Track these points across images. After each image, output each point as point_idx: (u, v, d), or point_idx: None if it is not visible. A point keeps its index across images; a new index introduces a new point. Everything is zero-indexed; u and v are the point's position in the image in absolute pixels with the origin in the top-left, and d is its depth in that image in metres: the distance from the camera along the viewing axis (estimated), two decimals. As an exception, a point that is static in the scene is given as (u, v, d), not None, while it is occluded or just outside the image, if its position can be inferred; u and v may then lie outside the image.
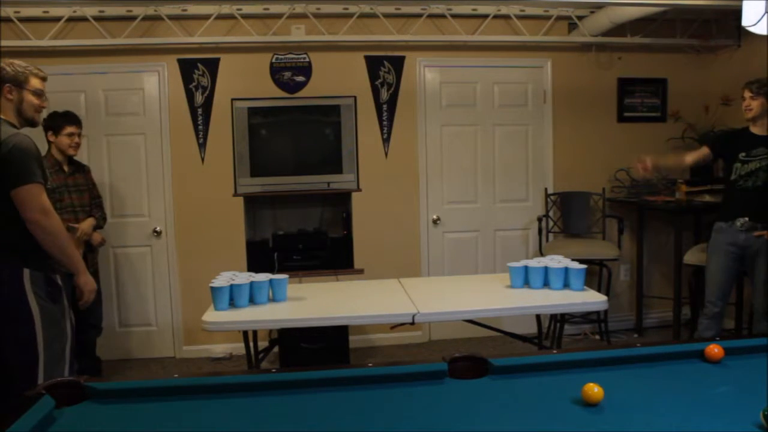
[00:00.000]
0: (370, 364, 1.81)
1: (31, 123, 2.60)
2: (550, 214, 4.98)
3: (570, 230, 4.92)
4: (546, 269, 3.26)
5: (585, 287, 3.22)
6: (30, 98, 2.55)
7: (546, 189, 4.97)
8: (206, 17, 4.44)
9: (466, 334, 4.83)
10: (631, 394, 1.61)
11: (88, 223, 3.85)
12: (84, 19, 4.36)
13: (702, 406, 1.53)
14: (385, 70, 4.79)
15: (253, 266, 4.35)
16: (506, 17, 4.78)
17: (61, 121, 3.75)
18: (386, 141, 4.84)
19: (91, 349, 4.04)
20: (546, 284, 3.27)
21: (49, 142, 3.77)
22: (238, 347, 4.34)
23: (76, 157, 3.93)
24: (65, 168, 3.82)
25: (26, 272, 2.38)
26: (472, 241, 4.97)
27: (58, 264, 2.51)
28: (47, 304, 2.42)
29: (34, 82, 2.57)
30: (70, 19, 4.38)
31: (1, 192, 2.38)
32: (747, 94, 3.41)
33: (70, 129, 3.74)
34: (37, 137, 2.67)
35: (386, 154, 4.84)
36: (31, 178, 2.36)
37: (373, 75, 4.78)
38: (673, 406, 1.54)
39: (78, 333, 3.38)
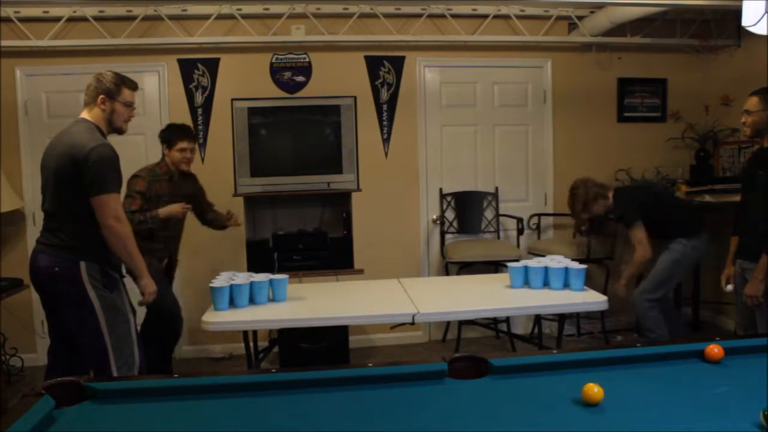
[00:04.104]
0: (370, 364, 1.81)
1: (119, 131, 2.80)
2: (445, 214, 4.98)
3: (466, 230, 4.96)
4: (546, 269, 3.26)
5: (585, 287, 3.23)
6: (121, 109, 2.74)
7: (441, 189, 4.96)
8: (206, 17, 4.44)
9: (466, 334, 4.84)
10: (631, 394, 1.61)
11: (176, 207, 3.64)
12: (84, 19, 4.36)
13: (702, 406, 1.53)
14: (385, 70, 4.79)
15: (253, 266, 4.35)
16: (506, 17, 4.78)
17: (174, 135, 3.65)
18: (386, 141, 4.84)
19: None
20: (546, 284, 3.27)
21: (163, 153, 3.70)
22: (238, 347, 4.33)
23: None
24: (174, 177, 3.69)
25: (82, 264, 2.59)
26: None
27: (116, 261, 2.72)
28: (105, 292, 2.64)
29: (126, 94, 2.75)
30: (70, 19, 4.38)
31: (63, 196, 2.60)
32: None
33: (182, 144, 3.62)
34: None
35: (386, 154, 4.85)
36: (110, 188, 2.58)
37: (373, 75, 4.79)
38: (673, 406, 1.54)
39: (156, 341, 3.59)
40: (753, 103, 3.08)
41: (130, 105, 2.77)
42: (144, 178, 3.53)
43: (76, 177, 2.54)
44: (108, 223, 2.57)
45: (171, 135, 3.65)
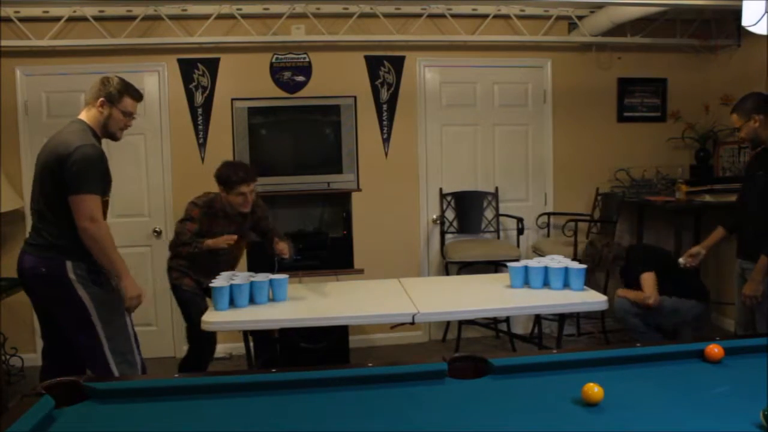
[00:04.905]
0: (370, 364, 1.81)
1: (112, 138, 2.76)
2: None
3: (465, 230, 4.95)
4: (546, 269, 3.26)
5: (585, 287, 3.23)
6: (118, 116, 2.70)
7: (441, 189, 4.95)
8: (206, 17, 4.44)
9: (466, 334, 4.84)
10: (631, 394, 1.61)
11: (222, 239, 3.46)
12: (84, 19, 4.36)
13: (702, 406, 1.53)
14: (385, 70, 4.79)
15: (253, 266, 4.35)
16: (506, 17, 4.78)
17: (234, 180, 3.39)
18: (386, 141, 4.84)
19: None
20: (546, 284, 3.27)
21: (220, 193, 3.51)
22: (238, 347, 4.33)
23: None
24: (229, 213, 3.52)
25: (68, 264, 2.56)
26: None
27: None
28: (94, 288, 2.59)
29: (127, 103, 2.71)
30: (70, 19, 4.38)
31: (48, 195, 2.57)
32: None
33: (242, 189, 3.39)
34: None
35: (386, 154, 4.85)
36: (88, 188, 2.52)
37: (373, 75, 4.78)
38: (673, 406, 1.54)
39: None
40: (735, 120, 3.15)
41: (129, 114, 2.73)
42: (201, 208, 3.45)
43: (59, 175, 2.52)
44: (83, 224, 2.51)
45: (230, 179, 3.40)
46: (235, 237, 3.46)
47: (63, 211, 2.55)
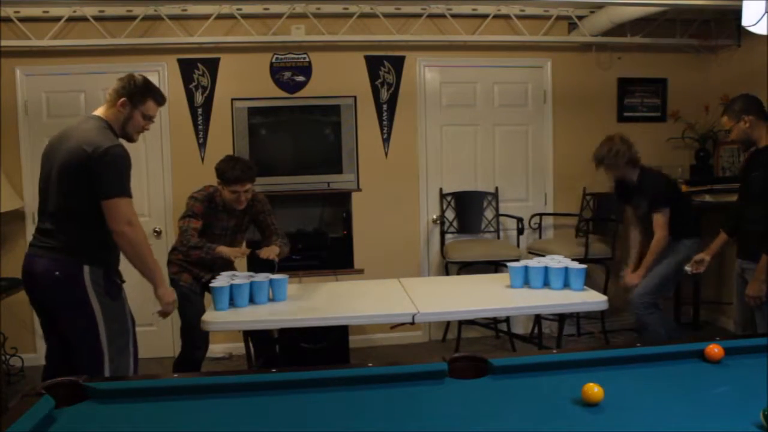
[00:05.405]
0: (370, 364, 1.81)
1: (129, 139, 2.68)
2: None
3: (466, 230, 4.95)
4: (546, 269, 3.26)
5: (585, 287, 3.23)
6: (138, 119, 2.63)
7: (441, 189, 4.95)
8: (206, 17, 4.44)
9: (466, 334, 4.84)
10: (631, 394, 1.61)
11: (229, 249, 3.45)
12: (84, 19, 4.36)
13: (702, 406, 1.53)
14: (385, 70, 4.79)
15: (253, 266, 4.35)
16: (506, 17, 4.78)
17: (231, 177, 3.36)
18: (386, 141, 4.84)
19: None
20: (546, 284, 3.27)
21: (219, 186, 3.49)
22: (238, 347, 4.34)
23: None
24: (228, 208, 3.50)
25: (86, 268, 2.46)
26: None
27: (118, 266, 2.60)
28: (107, 300, 2.50)
29: (149, 106, 2.63)
30: (70, 19, 4.38)
31: (69, 195, 2.47)
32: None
33: (236, 187, 3.36)
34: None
35: (386, 154, 4.85)
36: (122, 191, 2.47)
37: (373, 75, 4.79)
38: (673, 406, 1.54)
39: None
40: (725, 122, 3.18)
41: (149, 118, 2.65)
42: (202, 202, 3.42)
43: (86, 176, 2.40)
44: (121, 228, 2.43)
45: (225, 175, 3.39)
46: (248, 250, 3.45)
47: (85, 212, 2.45)
